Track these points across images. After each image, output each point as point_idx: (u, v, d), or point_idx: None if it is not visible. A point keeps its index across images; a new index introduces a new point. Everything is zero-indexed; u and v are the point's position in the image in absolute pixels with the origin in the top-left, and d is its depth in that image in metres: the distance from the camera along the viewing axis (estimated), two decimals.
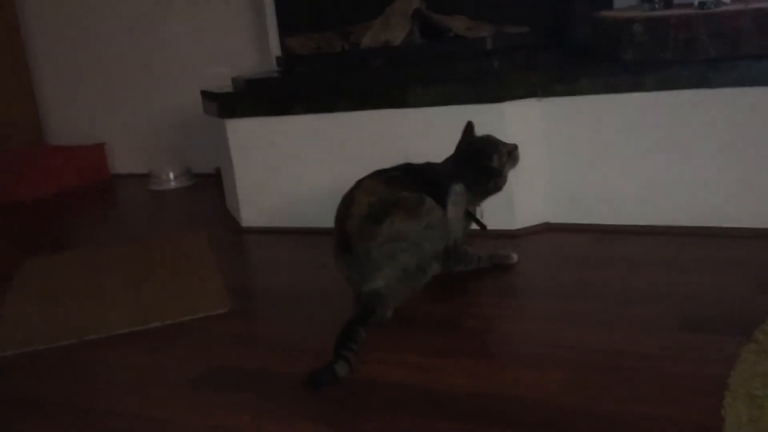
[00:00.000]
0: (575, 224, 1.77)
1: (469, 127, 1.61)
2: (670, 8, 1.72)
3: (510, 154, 1.59)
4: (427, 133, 1.81)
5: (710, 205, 1.65)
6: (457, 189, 1.49)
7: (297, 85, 2.06)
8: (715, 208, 1.64)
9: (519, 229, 1.78)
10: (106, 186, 3.04)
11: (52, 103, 3.32)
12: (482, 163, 1.56)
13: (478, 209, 1.63)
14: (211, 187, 2.63)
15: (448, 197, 1.47)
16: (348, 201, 1.42)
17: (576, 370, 1.10)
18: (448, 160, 1.60)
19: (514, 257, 1.57)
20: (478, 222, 1.62)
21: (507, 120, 1.73)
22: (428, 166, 1.57)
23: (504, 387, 1.08)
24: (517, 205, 1.77)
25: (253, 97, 2.03)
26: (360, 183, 1.47)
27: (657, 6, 1.72)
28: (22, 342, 1.42)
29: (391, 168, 1.53)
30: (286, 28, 2.44)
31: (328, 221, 1.46)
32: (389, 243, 1.34)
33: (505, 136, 1.63)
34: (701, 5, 1.62)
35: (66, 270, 1.86)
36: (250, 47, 2.77)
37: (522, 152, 1.63)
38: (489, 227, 1.65)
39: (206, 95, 2.21)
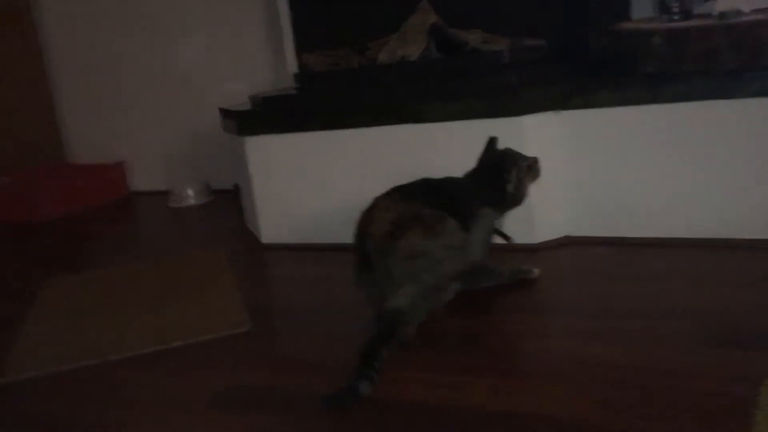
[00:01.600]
0: (595, 237, 1.76)
1: (492, 141, 1.61)
2: (689, 19, 1.71)
3: (530, 167, 1.57)
4: (445, 148, 1.81)
5: (733, 217, 1.62)
6: (485, 212, 1.49)
7: (314, 102, 2.06)
8: (739, 220, 1.62)
9: (539, 243, 1.77)
10: (127, 203, 3.07)
11: (73, 122, 3.35)
12: (499, 180, 1.55)
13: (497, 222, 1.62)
14: (229, 203, 2.64)
15: (475, 220, 1.46)
16: (367, 219, 1.41)
17: (603, 388, 1.08)
18: (469, 175, 1.59)
19: (536, 272, 1.55)
20: (503, 234, 1.60)
21: (525, 133, 1.72)
22: (448, 181, 1.55)
23: (533, 406, 1.06)
24: (537, 218, 1.76)
25: (271, 114, 2.04)
26: (378, 201, 1.45)
27: (676, 17, 1.71)
28: (44, 362, 1.43)
29: (409, 183, 1.51)
30: (302, 45, 2.45)
31: (347, 237, 1.45)
32: (409, 259, 1.33)
33: (524, 149, 1.61)
34: (721, 16, 1.60)
35: (87, 289, 1.87)
36: (267, 64, 2.78)
37: (541, 165, 1.62)
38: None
39: (225, 113, 2.22)
